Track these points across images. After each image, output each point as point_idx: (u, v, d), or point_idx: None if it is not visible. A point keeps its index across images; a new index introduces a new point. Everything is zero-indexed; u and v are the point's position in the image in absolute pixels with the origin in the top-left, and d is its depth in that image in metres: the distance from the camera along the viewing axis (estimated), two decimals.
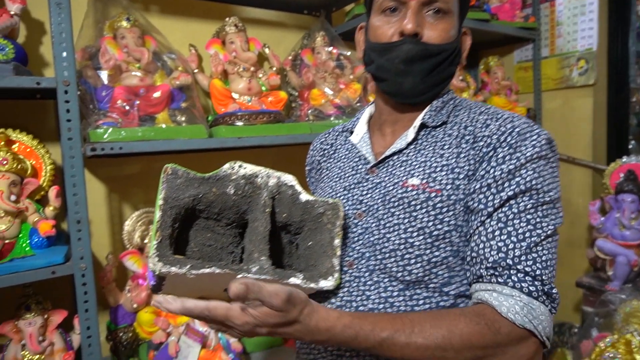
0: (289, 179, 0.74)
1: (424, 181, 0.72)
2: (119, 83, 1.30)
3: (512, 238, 0.66)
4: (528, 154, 0.68)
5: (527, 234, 0.66)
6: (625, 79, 2.03)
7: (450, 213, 0.70)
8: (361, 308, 0.73)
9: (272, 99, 1.54)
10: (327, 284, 0.71)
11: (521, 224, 0.66)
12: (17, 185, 1.13)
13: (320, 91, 1.66)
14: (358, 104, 1.68)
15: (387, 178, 0.77)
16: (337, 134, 0.96)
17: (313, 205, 0.75)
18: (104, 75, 1.29)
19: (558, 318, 2.09)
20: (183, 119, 1.36)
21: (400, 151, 0.78)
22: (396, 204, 0.73)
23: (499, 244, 0.66)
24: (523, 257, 0.64)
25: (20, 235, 1.13)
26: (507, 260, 0.65)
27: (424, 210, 0.70)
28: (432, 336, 0.62)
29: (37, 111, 1.37)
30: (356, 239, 0.77)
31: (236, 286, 0.58)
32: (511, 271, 0.65)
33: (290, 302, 0.61)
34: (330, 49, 1.71)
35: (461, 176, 0.71)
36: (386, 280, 0.72)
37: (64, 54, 1.08)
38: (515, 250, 0.65)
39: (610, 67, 2.01)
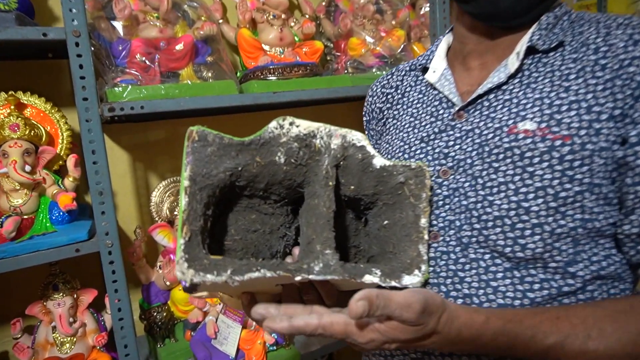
0: (358, 137, 0.56)
1: (544, 125, 0.53)
2: (136, 35, 1.14)
3: None
4: None
5: None
6: None
7: (585, 168, 0.51)
8: (453, 294, 0.57)
9: (306, 49, 1.36)
10: (412, 280, 0.54)
11: None
12: (31, 155, 1.00)
13: (359, 40, 1.47)
14: (402, 53, 1.48)
15: (483, 123, 0.59)
16: (403, 73, 0.77)
17: (391, 172, 0.57)
18: (119, 27, 1.13)
19: None
20: (209, 74, 1.20)
21: (498, 87, 0.59)
22: (501, 156, 0.55)
23: None
24: None
25: (39, 210, 1.02)
26: None
27: (545, 164, 0.52)
28: (618, 342, 0.47)
29: (50, 73, 1.23)
30: (441, 203, 0.60)
31: (356, 305, 0.43)
32: None
33: (427, 312, 0.47)
34: None
35: (603, 117, 0.51)
36: (487, 257, 0.56)
37: (71, 0, 0.93)
38: None
39: None
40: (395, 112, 0.74)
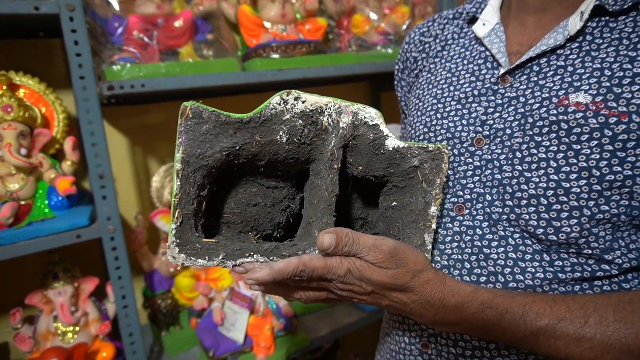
0: (371, 114, 0.51)
1: (599, 99, 0.48)
2: (132, 11, 1.09)
3: None
4: None
5: None
6: None
7: (639, 149, 0.46)
8: (477, 271, 0.54)
9: (309, 26, 1.32)
10: None
11: None
12: (26, 137, 0.95)
13: (363, 17, 1.43)
14: (407, 30, 1.44)
15: (530, 91, 0.54)
16: (445, 21, 0.70)
17: (404, 154, 0.53)
18: (114, 2, 1.08)
19: None
20: (210, 52, 1.16)
21: (553, 51, 0.54)
22: (545, 129, 0.50)
23: None
24: None
25: (37, 195, 0.97)
26: None
27: (594, 142, 0.48)
28: (618, 332, 0.44)
29: (41, 53, 1.18)
30: (471, 173, 0.56)
31: (325, 237, 0.46)
32: None
33: (396, 257, 0.46)
34: None
35: None
36: (517, 236, 0.52)
37: None
38: None
39: None
40: (432, 65, 0.67)
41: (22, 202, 0.95)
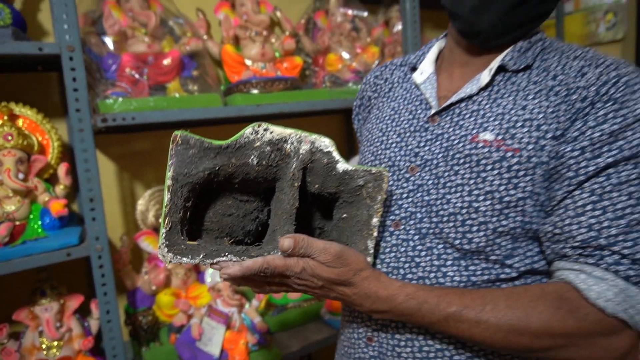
0: (325, 143, 0.63)
1: (500, 137, 0.60)
2: (125, 50, 1.20)
3: (607, 214, 0.55)
4: (638, 112, 0.55)
5: (628, 210, 0.54)
6: None
7: (528, 178, 0.58)
8: (409, 276, 0.65)
9: (287, 65, 1.45)
10: None
11: (621, 197, 0.55)
12: (24, 163, 1.04)
13: (336, 56, 1.57)
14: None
15: (451, 129, 0.66)
16: (394, 67, 0.82)
17: (352, 176, 0.64)
18: (109, 42, 1.19)
19: None
20: (195, 87, 1.27)
21: (470, 97, 0.65)
22: (461, 161, 0.63)
23: (591, 220, 0.56)
24: (621, 237, 0.54)
25: (31, 217, 1.05)
26: (600, 240, 0.55)
27: (495, 171, 0.60)
28: (505, 316, 0.56)
29: (39, 85, 1.28)
30: (406, 195, 0.68)
31: (285, 241, 0.57)
32: (604, 252, 0.55)
33: (341, 259, 0.59)
34: (345, 10, 1.61)
35: (548, 135, 0.58)
36: (440, 246, 0.64)
37: (65, 16, 0.99)
38: (612, 229, 0.55)
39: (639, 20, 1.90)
40: (381, 103, 0.80)
41: (17, 223, 1.03)
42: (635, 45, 1.91)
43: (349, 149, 1.80)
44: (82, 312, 1.23)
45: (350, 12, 1.61)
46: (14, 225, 1.01)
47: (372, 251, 0.65)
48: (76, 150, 1.01)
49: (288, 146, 0.61)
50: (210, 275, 1.33)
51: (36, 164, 1.08)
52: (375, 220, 0.65)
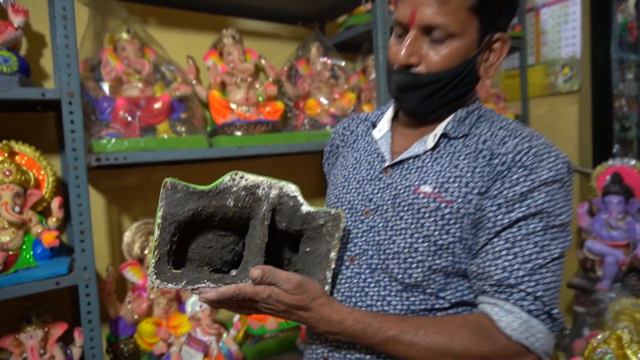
0: (292, 189, 0.74)
1: (436, 190, 0.72)
2: (120, 94, 1.31)
3: (517, 259, 0.67)
4: (543, 177, 0.68)
5: (533, 256, 0.67)
6: (608, 85, 2.11)
7: (457, 225, 0.70)
8: (359, 304, 0.75)
9: (269, 109, 1.57)
10: None
11: (528, 245, 0.67)
12: (20, 197, 1.13)
13: (315, 101, 1.70)
14: (353, 113, 1.71)
15: (400, 181, 0.77)
16: (359, 121, 0.94)
17: (314, 216, 0.75)
18: (105, 86, 1.30)
19: None
20: (183, 129, 1.38)
21: (417, 156, 0.77)
22: (405, 208, 0.74)
23: (504, 263, 0.67)
24: (526, 278, 0.66)
25: (24, 247, 1.13)
26: (510, 280, 0.67)
27: (432, 219, 0.71)
28: (433, 340, 0.67)
29: (38, 123, 1.38)
30: (360, 235, 0.78)
31: (255, 271, 0.67)
32: (513, 289, 0.67)
33: (301, 287, 0.68)
34: (325, 59, 1.75)
35: (474, 191, 0.71)
36: (386, 279, 0.74)
37: (68, 66, 1.10)
38: (520, 271, 0.66)
39: (593, 74, 2.08)
40: (346, 152, 0.91)
41: (11, 252, 1.10)
42: (590, 96, 2.09)
43: (324, 186, 1.91)
44: (65, 340, 1.29)
45: (329, 61, 1.75)
46: (8, 255, 1.09)
47: (329, 280, 0.75)
48: (70, 186, 1.10)
49: (260, 191, 0.72)
50: (191, 304, 1.40)
51: (31, 197, 1.16)
52: (333, 254, 0.75)
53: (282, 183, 0.73)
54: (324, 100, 1.70)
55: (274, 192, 0.73)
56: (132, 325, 1.41)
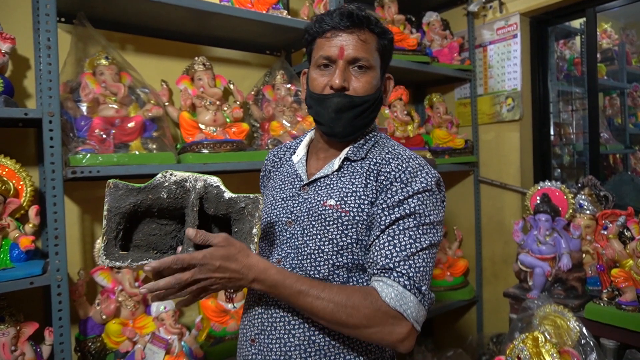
0: (214, 180, 0.87)
1: (338, 203, 0.91)
2: (96, 114, 1.45)
3: (396, 248, 0.86)
4: (415, 188, 0.88)
5: (408, 246, 0.86)
6: (546, 115, 2.34)
7: (354, 229, 0.90)
8: None
9: (235, 129, 1.73)
10: None
11: (404, 238, 0.86)
12: (0, 204, 1.25)
13: (279, 123, 1.86)
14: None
15: (313, 196, 0.95)
16: (285, 149, 1.13)
17: (236, 201, 0.88)
18: (83, 106, 1.44)
19: (498, 329, 2.31)
20: (154, 146, 1.52)
21: (326, 176, 0.96)
22: (316, 218, 0.92)
23: (387, 252, 0.86)
24: (402, 262, 0.85)
25: (1, 250, 1.25)
26: (391, 264, 0.85)
27: (335, 225, 0.90)
28: (335, 297, 0.83)
29: (19, 138, 1.50)
30: (285, 241, 0.96)
31: (190, 230, 0.80)
32: (393, 271, 0.85)
33: (229, 240, 0.82)
34: (289, 85, 1.92)
35: (366, 202, 0.90)
36: (303, 275, 0.90)
37: (50, 89, 1.24)
38: (397, 257, 0.85)
39: (533, 105, 2.31)
40: (275, 175, 1.09)
41: None
42: (531, 125, 2.31)
43: None
44: (36, 339, 1.39)
45: (293, 87, 1.93)
46: None
47: (254, 252, 0.88)
48: (47, 196, 1.23)
49: (188, 184, 0.86)
50: (156, 305, 1.52)
51: (11, 205, 1.29)
52: (255, 231, 0.88)
53: (206, 176, 0.87)
54: (286, 123, 1.87)
55: (199, 184, 0.86)
56: (100, 325, 1.52)
